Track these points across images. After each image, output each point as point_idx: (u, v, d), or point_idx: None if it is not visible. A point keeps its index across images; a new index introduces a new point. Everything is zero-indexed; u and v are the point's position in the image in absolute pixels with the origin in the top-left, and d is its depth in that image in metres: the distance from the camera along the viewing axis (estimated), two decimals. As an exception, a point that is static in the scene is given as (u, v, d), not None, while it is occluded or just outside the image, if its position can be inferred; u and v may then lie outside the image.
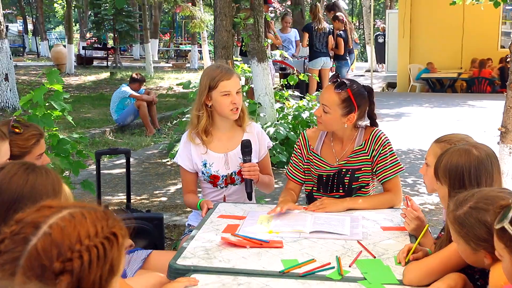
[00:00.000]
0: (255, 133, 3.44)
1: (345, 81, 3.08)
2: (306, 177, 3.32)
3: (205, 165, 3.35)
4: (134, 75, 10.25)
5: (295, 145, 3.36)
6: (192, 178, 3.41)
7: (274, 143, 6.94)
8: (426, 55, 16.52)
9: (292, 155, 3.37)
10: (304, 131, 3.36)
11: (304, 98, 8.29)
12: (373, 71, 18.53)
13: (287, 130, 7.06)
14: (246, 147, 3.23)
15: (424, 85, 16.46)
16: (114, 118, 10.08)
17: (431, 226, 4.74)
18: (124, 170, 7.11)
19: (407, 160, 7.45)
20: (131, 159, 7.71)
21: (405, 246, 2.39)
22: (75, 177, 4.71)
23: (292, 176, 3.34)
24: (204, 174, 3.36)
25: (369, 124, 3.25)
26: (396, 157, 3.19)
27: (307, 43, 11.32)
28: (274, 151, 6.89)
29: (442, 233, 2.40)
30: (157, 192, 6.22)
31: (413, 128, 9.89)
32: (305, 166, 3.31)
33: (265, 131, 6.88)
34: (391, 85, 18.65)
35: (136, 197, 5.97)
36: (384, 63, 22.01)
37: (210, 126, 3.33)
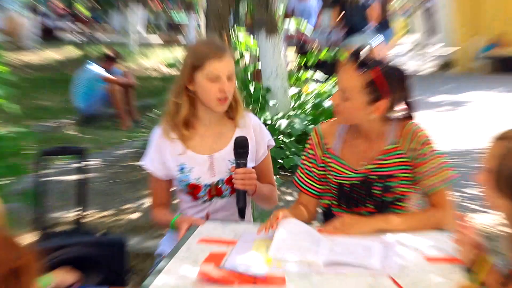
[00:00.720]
0: (251, 127, 3.45)
1: (369, 58, 3.08)
2: (323, 187, 3.33)
3: (182, 170, 3.36)
4: (105, 50, 10.36)
5: (306, 145, 3.39)
6: (164, 187, 3.43)
7: (288, 140, 6.96)
8: (493, 26, 16.45)
9: (302, 157, 3.40)
10: (318, 126, 3.38)
11: (329, 81, 8.23)
12: (423, 47, 18.48)
13: (305, 123, 7.10)
14: (241, 147, 3.23)
15: (489, 64, 16.37)
16: (78, 106, 10.13)
17: (498, 257, 4.58)
18: (86, 175, 7.09)
19: (467, 164, 7.34)
20: (96, 161, 7.66)
21: (457, 285, 2.38)
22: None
23: (303, 186, 3.36)
24: (181, 183, 3.36)
25: (400, 116, 3.24)
26: (445, 161, 3.17)
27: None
28: (287, 151, 6.97)
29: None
30: (127, 206, 6.23)
31: (475, 121, 9.92)
32: (321, 172, 3.32)
33: (275, 124, 6.98)
34: (447, 65, 18.63)
35: (96, 214, 5.98)
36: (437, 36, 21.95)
37: (193, 118, 3.38)
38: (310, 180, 3.33)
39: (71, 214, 5.84)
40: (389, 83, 3.05)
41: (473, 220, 2.69)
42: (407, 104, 3.19)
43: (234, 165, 3.25)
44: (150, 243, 5.21)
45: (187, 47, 3.43)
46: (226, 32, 6.54)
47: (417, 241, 2.87)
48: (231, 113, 3.40)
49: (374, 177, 3.16)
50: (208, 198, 3.37)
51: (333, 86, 7.86)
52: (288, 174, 6.86)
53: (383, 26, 12.00)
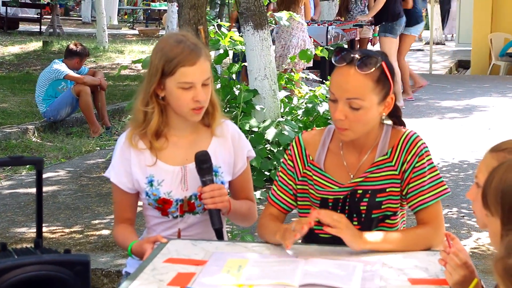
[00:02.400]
0: (229, 137, 3.44)
1: (372, 53, 3.10)
2: (298, 202, 3.33)
3: (151, 183, 3.35)
4: (71, 45, 10.27)
5: (284, 156, 3.37)
6: (130, 202, 3.44)
7: (276, 150, 6.95)
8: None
9: (279, 169, 3.38)
10: (300, 135, 3.36)
11: (324, 83, 8.29)
12: (436, 44, 18.51)
13: (296, 130, 7.08)
14: (203, 162, 3.22)
15: None
16: (42, 110, 10.11)
17: (486, 279, 4.71)
18: (50, 188, 7.17)
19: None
20: (62, 172, 7.75)
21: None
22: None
23: (275, 199, 3.34)
24: (150, 197, 3.36)
25: (390, 121, 3.26)
26: (438, 174, 3.19)
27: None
28: (276, 163, 6.94)
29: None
30: (96, 222, 6.25)
31: (489, 129, 9.93)
32: (299, 187, 3.31)
33: (263, 131, 6.99)
34: (463, 65, 18.70)
35: (63, 230, 5.99)
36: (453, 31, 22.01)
37: (164, 126, 3.35)
38: (283, 194, 3.31)
39: (32, 230, 5.95)
40: (391, 72, 3.10)
41: (471, 239, 2.75)
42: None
43: (201, 184, 3.23)
44: (121, 261, 5.24)
45: (155, 47, 3.30)
46: (203, 27, 6.43)
47: (402, 262, 2.89)
48: (206, 120, 3.37)
49: (362, 191, 3.17)
50: (179, 214, 3.36)
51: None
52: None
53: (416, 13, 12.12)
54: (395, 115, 3.25)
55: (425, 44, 21.96)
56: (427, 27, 23.08)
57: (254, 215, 3.52)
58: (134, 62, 8.49)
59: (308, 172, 3.27)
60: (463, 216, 6.02)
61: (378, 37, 12.55)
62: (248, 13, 7.32)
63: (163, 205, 3.36)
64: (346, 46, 12.20)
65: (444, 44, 23.53)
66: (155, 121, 3.28)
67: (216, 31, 8.01)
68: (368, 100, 3.04)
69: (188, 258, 2.99)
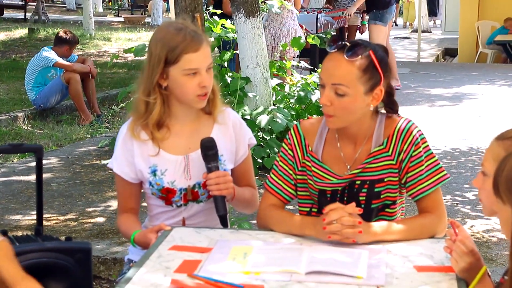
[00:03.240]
0: (230, 124, 3.45)
1: (361, 42, 3.11)
2: (296, 192, 3.33)
3: (154, 172, 3.36)
4: (60, 33, 10.23)
5: (283, 144, 3.36)
6: (133, 191, 3.44)
7: (269, 138, 6.96)
8: (503, 8, 16.60)
9: (278, 158, 3.36)
10: (298, 123, 3.35)
11: (316, 71, 8.30)
12: (422, 32, 18.53)
13: (288, 118, 7.10)
14: (209, 149, 3.25)
15: (499, 53, 16.51)
16: (32, 97, 10.09)
17: (491, 265, 4.75)
18: (43, 176, 7.10)
19: (468, 165, 7.48)
20: (54, 160, 7.73)
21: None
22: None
23: (274, 187, 3.32)
24: (153, 187, 3.37)
25: (384, 110, 3.26)
26: (436, 160, 3.20)
27: None
28: (269, 150, 6.96)
29: (506, 277, 2.39)
30: (91, 209, 6.24)
31: (480, 117, 9.95)
32: (298, 177, 3.31)
33: (255, 119, 7.01)
34: (450, 53, 18.77)
35: (58, 218, 5.99)
36: (439, 18, 22.04)
37: (166, 117, 3.35)
38: (284, 183, 3.30)
39: (27, 218, 5.90)
40: (383, 65, 3.10)
41: (465, 226, 2.77)
42: (389, 90, 3.21)
43: (206, 170, 3.25)
44: (117, 248, 5.26)
45: (154, 37, 3.29)
46: (200, 14, 6.42)
47: (406, 249, 2.91)
48: (207, 107, 3.38)
49: (361, 182, 3.18)
50: (183, 203, 3.38)
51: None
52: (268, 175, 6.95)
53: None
54: (393, 109, 3.25)
55: (411, 32, 22.03)
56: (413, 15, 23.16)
57: (257, 201, 3.53)
58: (125, 51, 8.44)
59: (307, 163, 3.27)
60: (457, 204, 6.05)
61: (366, 24, 12.57)
62: (240, 1, 7.31)
63: (166, 195, 3.37)
64: (334, 33, 12.20)
65: (430, 32, 23.62)
66: (157, 111, 3.29)
67: (208, 19, 8.00)
68: (353, 88, 3.05)
69: (193, 245, 3.00)
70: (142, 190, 3.49)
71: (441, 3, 22.20)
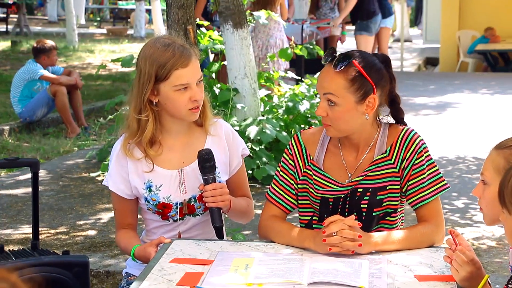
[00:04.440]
0: (223, 135, 3.46)
1: (347, 53, 3.14)
2: (298, 202, 3.34)
3: (149, 188, 3.36)
4: (34, 45, 10.23)
5: (284, 155, 3.37)
6: (129, 207, 3.44)
7: (258, 148, 6.95)
8: (483, 18, 16.67)
9: (279, 168, 3.37)
10: (299, 133, 3.37)
11: (303, 81, 8.30)
12: (404, 41, 18.60)
13: (277, 129, 7.11)
14: (207, 161, 3.23)
15: (480, 61, 16.62)
16: (18, 111, 10.05)
17: (491, 273, 4.77)
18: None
19: (456, 173, 7.52)
20: (42, 173, 7.70)
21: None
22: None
23: (275, 197, 3.33)
24: (149, 202, 3.37)
25: (392, 120, 3.30)
26: (437, 170, 3.23)
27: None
28: (258, 161, 6.94)
29: (510, 285, 2.41)
30: (81, 222, 6.22)
31: (463, 126, 10.01)
32: (300, 186, 3.32)
33: (244, 130, 7.01)
34: (431, 62, 18.84)
35: (49, 231, 5.96)
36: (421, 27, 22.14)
37: (158, 133, 3.36)
38: (285, 193, 3.31)
39: (18, 232, 5.88)
40: (374, 73, 3.12)
41: (463, 235, 2.79)
42: (394, 97, 3.25)
43: (203, 182, 3.25)
44: (109, 261, 5.25)
45: (142, 54, 3.28)
46: (192, 26, 6.43)
47: (406, 259, 2.93)
48: (199, 119, 3.38)
49: (362, 190, 3.19)
50: (179, 217, 3.38)
51: (308, 87, 7.90)
52: (258, 186, 6.89)
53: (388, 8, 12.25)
54: (394, 104, 3.29)
55: (393, 41, 22.10)
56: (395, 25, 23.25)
57: (252, 212, 3.55)
58: (113, 60, 8.42)
59: (309, 172, 3.28)
60: (446, 212, 6.08)
61: (346, 34, 12.63)
62: (227, 12, 7.30)
63: (163, 210, 3.38)
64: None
65: (411, 41, 23.70)
66: (150, 130, 3.29)
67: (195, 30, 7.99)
68: (342, 98, 3.08)
69: (194, 258, 3.01)
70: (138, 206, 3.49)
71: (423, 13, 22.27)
